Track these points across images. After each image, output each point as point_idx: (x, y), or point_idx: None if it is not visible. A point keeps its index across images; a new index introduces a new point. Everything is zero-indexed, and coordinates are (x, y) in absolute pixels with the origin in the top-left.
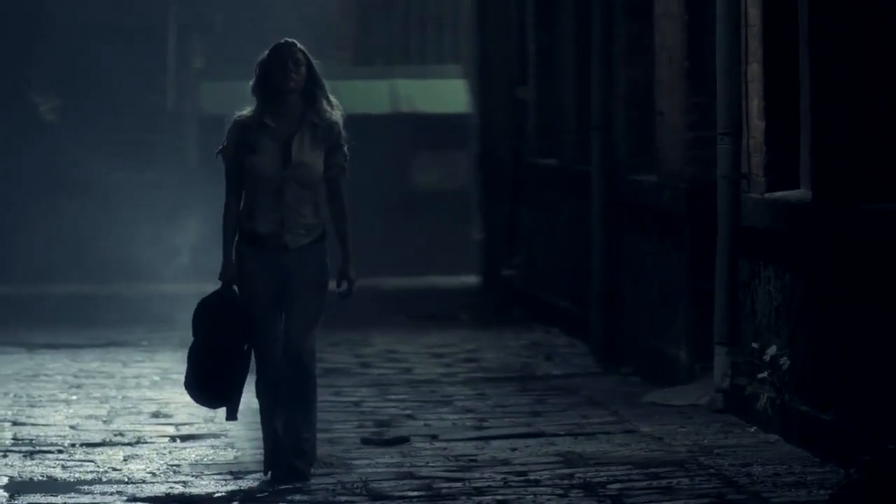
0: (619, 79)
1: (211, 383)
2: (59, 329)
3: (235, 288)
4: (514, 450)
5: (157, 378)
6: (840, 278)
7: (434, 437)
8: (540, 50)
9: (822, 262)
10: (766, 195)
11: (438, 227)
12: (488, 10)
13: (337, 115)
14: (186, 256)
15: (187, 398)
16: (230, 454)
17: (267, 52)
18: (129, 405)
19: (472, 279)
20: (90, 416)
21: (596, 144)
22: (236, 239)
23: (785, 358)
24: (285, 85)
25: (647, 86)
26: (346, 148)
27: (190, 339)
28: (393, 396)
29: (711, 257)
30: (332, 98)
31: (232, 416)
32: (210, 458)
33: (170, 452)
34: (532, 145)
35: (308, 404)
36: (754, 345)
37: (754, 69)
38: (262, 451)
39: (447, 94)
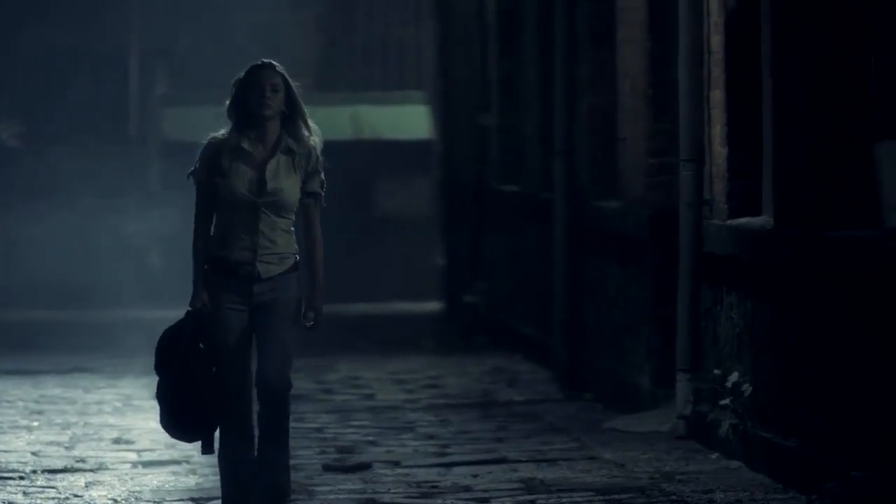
0: (582, 105)
1: (188, 419)
2: (21, 355)
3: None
4: (475, 476)
5: (118, 404)
6: (802, 305)
7: (396, 464)
8: (503, 76)
9: (785, 288)
10: (729, 221)
11: (401, 253)
12: (451, 37)
13: (315, 140)
14: (149, 281)
15: (149, 424)
16: (192, 481)
17: (244, 72)
18: (91, 431)
19: (435, 305)
20: (52, 443)
21: (559, 170)
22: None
23: (747, 384)
24: (260, 111)
25: (610, 112)
26: (323, 175)
27: (152, 364)
28: (355, 423)
29: (674, 283)
30: (311, 123)
31: (209, 449)
32: (172, 484)
33: (132, 479)
34: (495, 171)
35: (285, 444)
36: (717, 371)
37: (717, 96)
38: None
39: (410, 120)
